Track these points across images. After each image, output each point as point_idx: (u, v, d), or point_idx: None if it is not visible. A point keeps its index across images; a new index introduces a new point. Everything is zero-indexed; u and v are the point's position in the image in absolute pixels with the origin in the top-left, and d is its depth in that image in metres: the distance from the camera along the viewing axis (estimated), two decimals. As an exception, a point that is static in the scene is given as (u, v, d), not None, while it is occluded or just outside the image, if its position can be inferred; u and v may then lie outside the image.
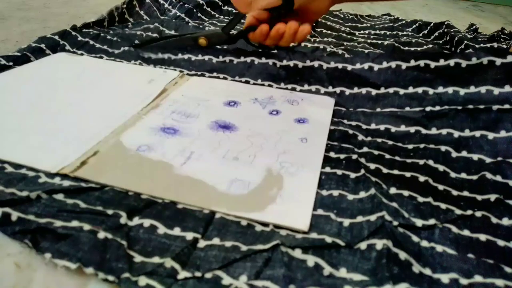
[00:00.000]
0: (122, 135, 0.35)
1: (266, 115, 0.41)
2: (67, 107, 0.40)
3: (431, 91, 0.42)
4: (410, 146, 0.37)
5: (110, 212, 0.26)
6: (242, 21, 0.49)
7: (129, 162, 0.32)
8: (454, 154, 0.36)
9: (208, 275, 0.23)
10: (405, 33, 0.77)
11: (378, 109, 0.43)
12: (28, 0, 0.81)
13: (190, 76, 0.49)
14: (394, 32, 0.76)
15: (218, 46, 0.52)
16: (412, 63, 0.43)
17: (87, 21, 0.61)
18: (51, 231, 0.24)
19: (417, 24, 0.81)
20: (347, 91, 0.46)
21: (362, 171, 0.32)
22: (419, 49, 0.65)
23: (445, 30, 0.72)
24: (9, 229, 0.25)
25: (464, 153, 0.36)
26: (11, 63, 0.48)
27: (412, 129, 0.39)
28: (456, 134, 0.38)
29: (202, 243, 0.25)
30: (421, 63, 0.43)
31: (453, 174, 0.33)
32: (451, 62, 0.41)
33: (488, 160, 0.34)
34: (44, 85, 0.44)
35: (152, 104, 0.41)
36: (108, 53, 0.54)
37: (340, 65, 0.46)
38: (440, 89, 0.42)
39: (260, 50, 0.50)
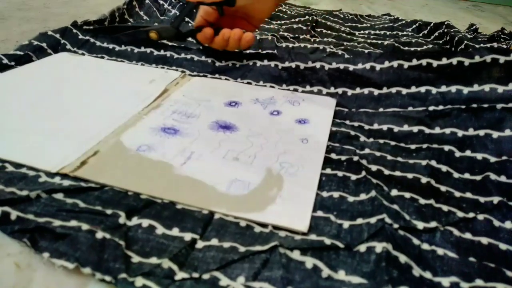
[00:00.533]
0: (122, 135, 0.35)
1: (267, 115, 0.41)
2: (68, 107, 0.40)
3: (434, 90, 0.42)
4: (413, 146, 0.37)
5: (109, 212, 0.26)
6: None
7: (129, 162, 0.32)
8: (457, 154, 0.35)
9: (206, 276, 0.22)
10: (405, 33, 0.76)
11: (381, 109, 0.43)
12: (28, 0, 0.81)
13: (192, 77, 0.49)
14: (394, 32, 0.75)
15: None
16: (414, 62, 0.43)
17: (88, 20, 0.61)
18: (49, 231, 0.24)
19: (417, 24, 0.81)
20: (349, 92, 0.45)
21: (363, 173, 0.32)
22: (419, 49, 0.65)
23: (445, 30, 0.72)
24: (8, 228, 0.25)
25: (468, 153, 0.35)
26: (13, 63, 0.48)
27: (415, 129, 0.39)
28: (460, 133, 0.37)
29: (200, 244, 0.25)
30: (423, 62, 0.42)
31: (456, 175, 0.33)
32: (454, 61, 0.41)
33: (492, 159, 0.34)
34: (45, 85, 0.44)
35: (153, 104, 0.41)
36: (109, 50, 0.54)
37: (342, 66, 0.46)
38: (443, 88, 0.41)
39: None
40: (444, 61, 0.41)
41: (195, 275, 0.22)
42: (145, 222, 0.26)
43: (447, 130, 0.38)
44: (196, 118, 0.39)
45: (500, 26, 0.83)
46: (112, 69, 0.50)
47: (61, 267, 0.22)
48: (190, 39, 0.51)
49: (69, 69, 0.49)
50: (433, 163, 0.34)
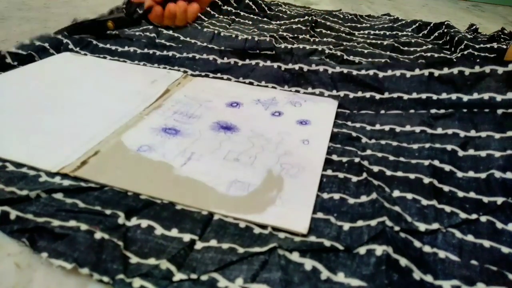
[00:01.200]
0: (123, 135, 0.35)
1: (268, 116, 0.41)
2: (70, 106, 0.40)
3: (434, 96, 0.43)
4: (415, 146, 0.37)
5: (108, 212, 0.26)
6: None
7: (129, 162, 0.32)
8: (461, 153, 0.35)
9: (204, 278, 0.22)
10: (404, 33, 0.76)
11: (383, 111, 0.43)
12: (28, 0, 0.81)
13: (194, 77, 0.49)
14: (394, 32, 0.75)
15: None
16: (417, 71, 0.44)
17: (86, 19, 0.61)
18: (48, 231, 0.24)
19: (417, 24, 0.80)
20: (351, 95, 0.45)
21: (364, 174, 0.32)
22: (418, 49, 0.64)
23: (445, 30, 0.71)
24: (8, 228, 0.25)
25: (471, 152, 0.35)
26: (15, 63, 0.48)
27: (418, 129, 0.39)
28: (462, 134, 0.37)
29: (199, 245, 0.25)
30: (425, 72, 0.44)
31: (459, 174, 0.33)
32: (455, 70, 0.42)
33: (497, 154, 0.33)
34: (47, 85, 0.44)
35: (155, 104, 0.41)
36: (111, 51, 0.54)
37: (345, 70, 0.46)
38: (444, 95, 0.42)
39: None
40: (446, 70, 0.43)
41: (193, 276, 0.22)
42: (144, 223, 0.26)
43: (449, 131, 0.38)
44: (197, 119, 0.39)
45: (500, 26, 0.83)
46: (114, 69, 0.50)
47: (59, 267, 0.22)
48: (143, 22, 0.53)
49: (71, 69, 0.49)
50: (436, 162, 0.33)
